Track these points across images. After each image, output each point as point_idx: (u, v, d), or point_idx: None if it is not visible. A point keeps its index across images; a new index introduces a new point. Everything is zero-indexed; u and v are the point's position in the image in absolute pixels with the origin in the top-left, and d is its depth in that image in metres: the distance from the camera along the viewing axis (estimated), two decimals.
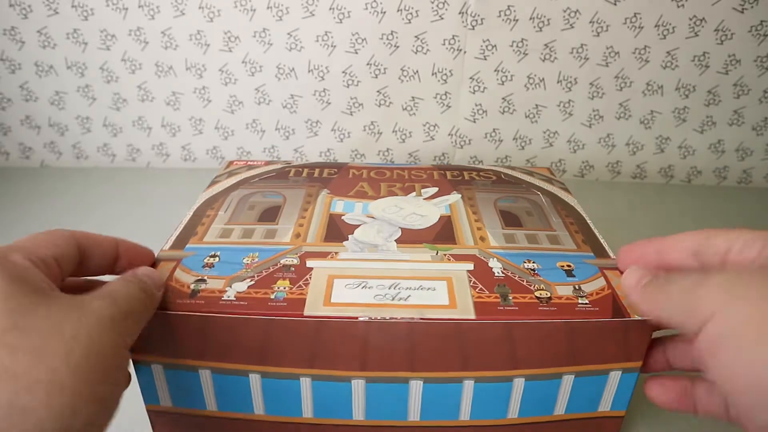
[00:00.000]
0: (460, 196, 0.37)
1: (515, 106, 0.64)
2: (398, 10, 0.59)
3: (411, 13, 0.59)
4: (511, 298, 0.27)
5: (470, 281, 0.28)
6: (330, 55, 0.62)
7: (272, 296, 0.27)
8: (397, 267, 0.29)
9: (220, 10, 0.60)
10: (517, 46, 0.60)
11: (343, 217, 0.34)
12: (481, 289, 0.27)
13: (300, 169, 0.42)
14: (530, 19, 0.59)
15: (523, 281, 0.28)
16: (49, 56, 0.62)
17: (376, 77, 0.63)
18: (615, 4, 0.58)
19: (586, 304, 0.26)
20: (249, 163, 0.44)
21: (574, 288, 0.28)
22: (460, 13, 0.59)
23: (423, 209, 0.35)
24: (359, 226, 0.33)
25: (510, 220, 0.34)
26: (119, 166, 0.69)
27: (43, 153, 0.68)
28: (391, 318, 0.25)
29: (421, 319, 0.26)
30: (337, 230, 0.33)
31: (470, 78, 0.63)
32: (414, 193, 0.38)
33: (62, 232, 0.24)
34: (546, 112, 0.65)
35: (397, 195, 0.37)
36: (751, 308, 0.17)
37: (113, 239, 0.26)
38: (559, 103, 0.64)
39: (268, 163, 0.43)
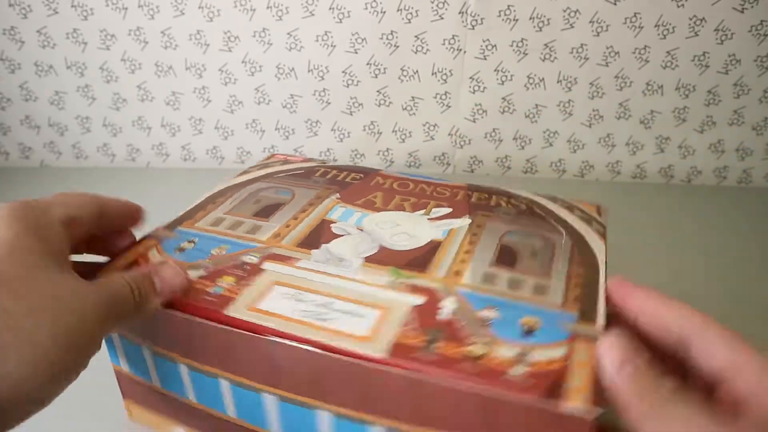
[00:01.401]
0: (469, 222, 0.34)
1: (515, 105, 0.64)
2: (398, 10, 0.59)
3: (411, 13, 0.59)
4: (434, 347, 0.23)
5: (407, 317, 0.25)
6: (330, 55, 0.62)
7: (211, 290, 0.27)
8: (343, 285, 0.27)
9: (219, 10, 0.60)
10: (517, 45, 0.60)
11: (332, 225, 0.33)
12: (411, 329, 0.24)
13: (328, 170, 0.41)
14: (530, 18, 0.59)
15: (464, 330, 0.24)
16: (49, 56, 0.62)
17: (376, 77, 0.63)
18: (615, 4, 0.58)
19: (518, 375, 0.22)
20: (288, 158, 0.43)
21: (520, 352, 0.23)
22: (460, 12, 0.59)
23: (417, 230, 0.33)
24: (341, 236, 0.32)
25: (506, 258, 0.30)
26: (119, 166, 0.69)
27: (43, 153, 0.68)
28: (292, 342, 0.24)
29: (323, 348, 0.24)
30: (317, 237, 0.32)
31: (470, 78, 0.63)
32: (423, 211, 0.35)
33: (83, 194, 0.27)
34: (546, 112, 0.65)
35: (404, 210, 0.35)
36: None
37: (123, 200, 0.29)
38: (559, 103, 0.64)
39: (305, 159, 0.43)
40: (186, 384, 0.29)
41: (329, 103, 0.65)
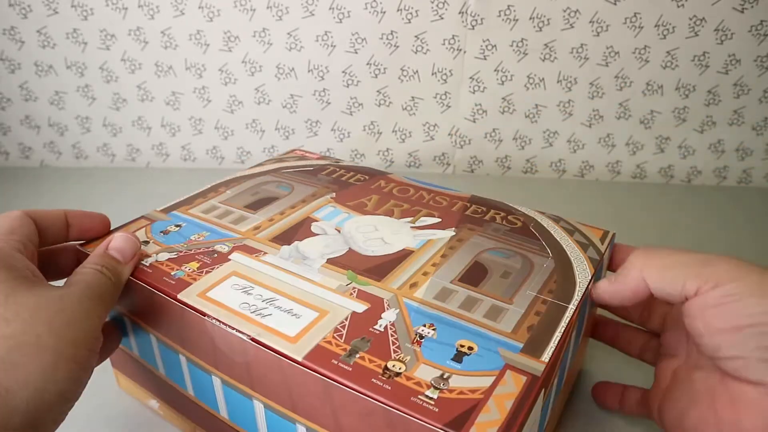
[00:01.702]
0: (452, 234, 0.33)
1: (515, 105, 0.64)
2: (398, 10, 0.59)
3: (411, 13, 0.59)
4: (357, 356, 0.23)
5: (341, 323, 0.25)
6: (330, 55, 0.62)
7: (172, 273, 0.28)
8: (294, 283, 0.28)
9: (219, 10, 0.60)
10: (517, 45, 0.60)
11: (312, 224, 0.33)
12: (340, 335, 0.24)
13: (336, 170, 0.41)
14: (530, 18, 0.59)
15: (393, 345, 0.24)
16: (49, 56, 0.62)
17: (376, 77, 0.63)
18: (615, 4, 0.58)
19: (429, 398, 0.21)
20: (306, 154, 0.44)
21: (441, 376, 0.22)
22: (460, 12, 0.59)
23: (394, 237, 0.32)
24: (317, 235, 0.32)
25: (473, 275, 0.29)
26: (119, 165, 0.69)
27: (43, 153, 0.68)
28: (228, 328, 0.25)
29: (251, 339, 0.24)
30: (293, 234, 0.32)
31: (470, 78, 0.63)
32: (410, 219, 0.35)
33: (17, 214, 0.27)
34: (546, 112, 0.65)
35: (392, 215, 0.35)
36: (755, 277, 0.25)
37: (61, 211, 0.29)
38: (559, 103, 0.64)
39: (321, 157, 0.43)
40: (156, 356, 0.31)
41: (329, 103, 0.65)
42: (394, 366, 0.23)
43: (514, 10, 0.58)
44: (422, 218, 0.35)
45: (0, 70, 0.63)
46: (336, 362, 0.23)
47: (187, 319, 0.27)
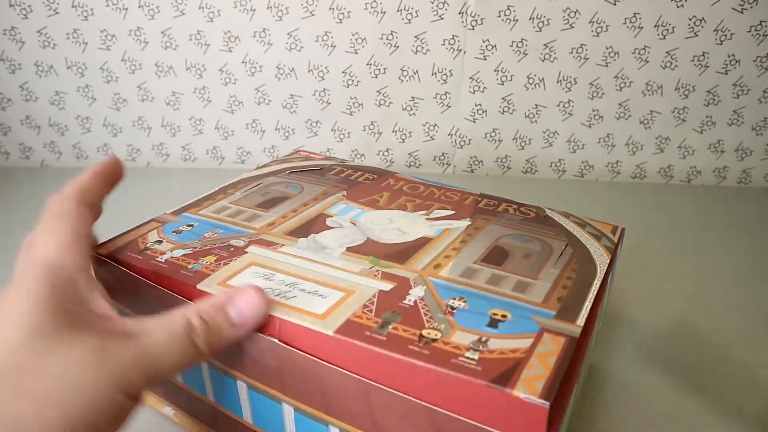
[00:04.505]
0: (468, 223, 0.33)
1: (515, 106, 0.64)
2: (398, 10, 0.59)
3: (411, 13, 0.59)
4: (390, 327, 0.23)
5: (369, 300, 0.25)
6: (330, 55, 0.62)
7: (190, 266, 0.27)
8: (316, 269, 0.27)
9: (220, 10, 0.60)
10: (516, 46, 0.61)
11: (327, 219, 0.33)
12: (369, 310, 0.24)
13: (344, 169, 0.41)
14: (530, 19, 0.59)
15: (426, 316, 0.24)
16: (50, 56, 0.62)
17: (376, 77, 0.63)
18: (615, 4, 0.58)
19: (471, 359, 0.21)
20: (311, 155, 0.44)
21: (478, 339, 0.22)
22: (459, 13, 0.59)
23: (411, 227, 0.32)
24: (333, 228, 0.32)
25: (495, 257, 0.29)
26: None
27: (44, 153, 0.68)
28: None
29: (280, 341, 0.23)
30: (308, 228, 0.32)
31: (470, 78, 0.63)
32: (424, 212, 0.35)
33: (71, 205, 0.24)
34: (546, 112, 0.65)
35: (405, 210, 0.35)
36: None
37: (88, 173, 0.27)
38: (559, 103, 0.64)
39: (326, 158, 0.43)
40: None
41: (329, 103, 0.65)
42: (429, 333, 0.22)
43: (514, 11, 0.58)
44: (436, 211, 0.35)
45: (0, 70, 0.63)
46: (369, 333, 0.22)
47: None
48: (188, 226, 0.32)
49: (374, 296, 0.25)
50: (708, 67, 0.60)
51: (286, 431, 0.27)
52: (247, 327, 0.23)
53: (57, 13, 0.60)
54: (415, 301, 0.25)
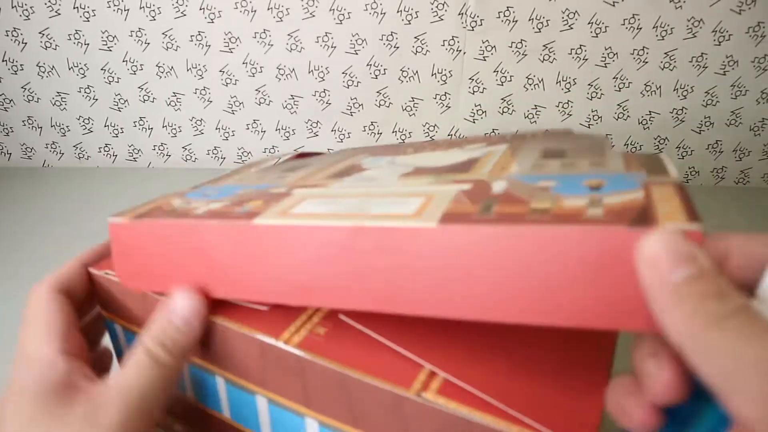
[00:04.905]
0: (507, 146, 0.31)
1: (514, 106, 0.65)
2: (398, 11, 0.59)
3: (411, 14, 0.59)
4: (494, 208, 0.20)
5: (454, 197, 0.22)
6: (330, 56, 0.62)
7: (239, 210, 0.24)
8: (381, 189, 0.25)
9: (220, 11, 0.60)
10: (516, 46, 0.61)
11: (362, 162, 0.31)
12: (462, 203, 0.21)
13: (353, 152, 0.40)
14: (529, 20, 0.59)
15: (523, 196, 0.21)
16: (51, 57, 0.63)
17: (376, 78, 0.63)
18: (614, 6, 0.58)
19: (597, 213, 0.18)
20: (312, 154, 0.44)
21: (591, 200, 0.20)
22: (459, 14, 0.59)
23: (449, 155, 0.30)
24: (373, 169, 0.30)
25: (553, 154, 0.28)
26: (120, 166, 0.70)
27: (45, 153, 0.69)
28: (283, 345, 0.22)
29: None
30: (346, 172, 0.29)
31: (470, 78, 0.63)
32: (457, 147, 0.32)
33: (47, 296, 0.25)
34: (545, 113, 0.65)
35: (436, 151, 0.32)
36: None
37: (77, 261, 0.28)
38: (558, 104, 0.64)
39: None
40: (185, 379, 0.29)
41: (329, 104, 0.65)
42: (539, 205, 0.20)
43: (513, 12, 0.59)
44: (468, 146, 0.33)
45: (3, 71, 0.63)
46: (477, 216, 0.19)
47: (231, 340, 0.24)
48: (213, 191, 0.29)
49: (458, 194, 0.22)
50: (706, 67, 0.61)
51: None
52: (195, 324, 0.24)
53: (59, 14, 0.60)
54: (504, 190, 0.22)
